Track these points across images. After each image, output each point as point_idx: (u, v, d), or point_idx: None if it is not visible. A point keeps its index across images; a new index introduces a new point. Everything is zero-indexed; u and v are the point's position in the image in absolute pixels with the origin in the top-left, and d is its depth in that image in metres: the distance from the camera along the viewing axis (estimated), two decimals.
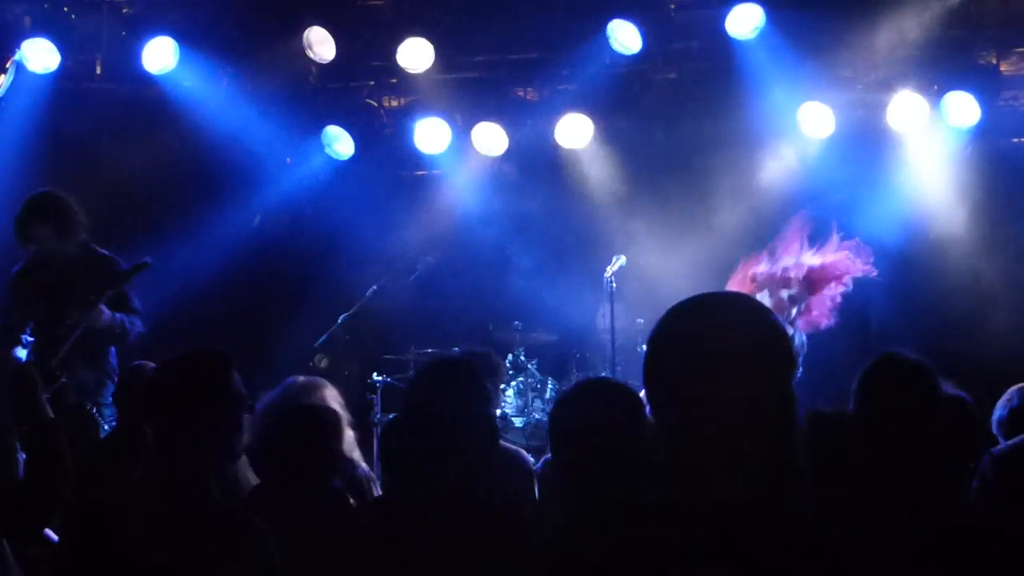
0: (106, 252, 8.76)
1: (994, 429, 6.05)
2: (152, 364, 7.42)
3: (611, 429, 4.05)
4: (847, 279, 9.49)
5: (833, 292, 9.50)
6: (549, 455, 5.74)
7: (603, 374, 9.94)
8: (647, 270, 10.71)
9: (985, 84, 10.50)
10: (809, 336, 9.56)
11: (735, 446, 2.68)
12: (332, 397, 6.32)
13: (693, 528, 2.67)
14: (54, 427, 4.94)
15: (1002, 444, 5.88)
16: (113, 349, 8.62)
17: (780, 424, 2.72)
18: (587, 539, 2.99)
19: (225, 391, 4.63)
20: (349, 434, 6.28)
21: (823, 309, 9.50)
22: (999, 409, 6.11)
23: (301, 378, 6.44)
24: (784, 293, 9.59)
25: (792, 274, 9.39)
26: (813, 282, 9.59)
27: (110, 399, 8.43)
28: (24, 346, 8.39)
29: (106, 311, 8.38)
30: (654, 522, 2.77)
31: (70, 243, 8.64)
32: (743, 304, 2.87)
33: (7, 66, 10.34)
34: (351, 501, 5.97)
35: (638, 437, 3.99)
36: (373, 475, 6.60)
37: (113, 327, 8.43)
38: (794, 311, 9.50)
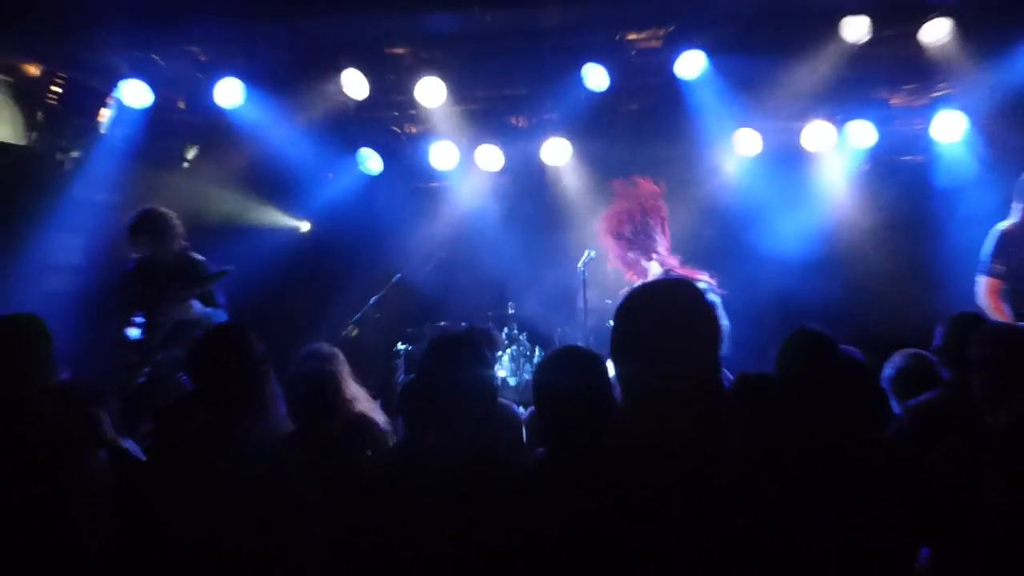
0: (198, 257, 9.08)
1: (884, 385, 6.16)
2: None
3: (581, 387, 4.19)
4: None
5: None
6: (533, 408, 6.53)
7: (579, 344, 9.57)
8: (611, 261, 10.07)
9: (879, 114, 10.96)
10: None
11: (679, 396, 2.83)
12: (342, 361, 6.48)
13: (647, 465, 2.82)
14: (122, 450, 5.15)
15: (911, 401, 5.90)
16: (201, 333, 8.73)
17: (711, 381, 2.90)
18: (563, 475, 3.28)
19: (244, 353, 4.90)
20: (359, 392, 6.53)
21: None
22: (887, 369, 6.27)
23: (317, 345, 6.54)
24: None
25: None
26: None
27: None
28: (136, 327, 8.82)
29: (196, 305, 8.78)
30: (616, 460, 2.92)
31: (168, 249, 8.94)
32: (687, 287, 3.05)
33: (109, 102, 10.65)
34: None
35: (603, 394, 4.12)
36: (379, 422, 6.50)
37: (201, 319, 8.75)
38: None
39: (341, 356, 6.49)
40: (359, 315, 11.22)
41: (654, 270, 8.21)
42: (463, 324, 10.89)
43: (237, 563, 4.41)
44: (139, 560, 4.59)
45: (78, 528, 4.85)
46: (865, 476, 4.47)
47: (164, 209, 9.06)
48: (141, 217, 9.00)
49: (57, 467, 4.79)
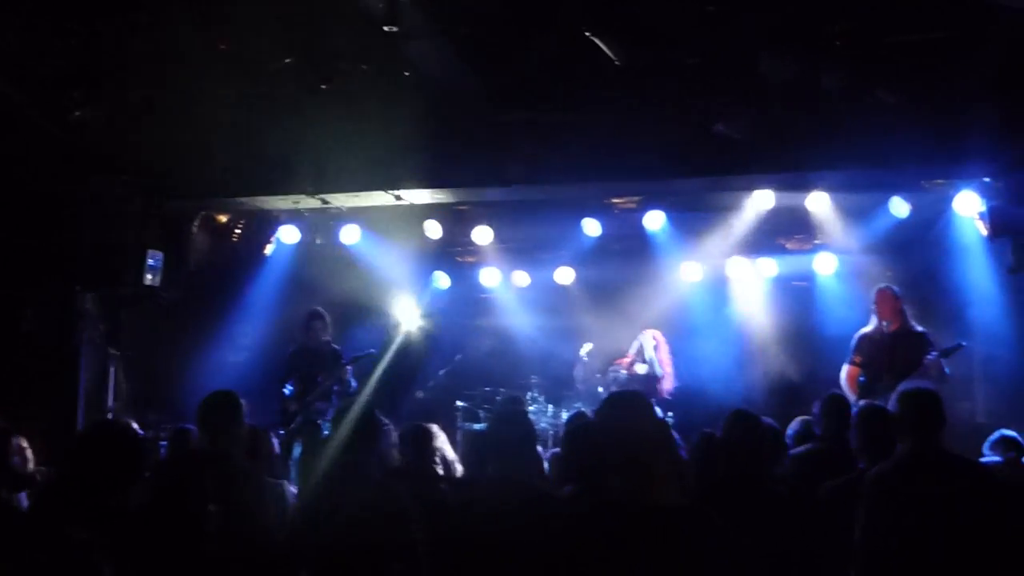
0: (337, 347, 9.38)
1: (788, 440, 6.18)
2: None
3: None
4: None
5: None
6: (555, 450, 6.50)
7: (578, 406, 9.58)
8: (602, 348, 10.87)
9: (779, 254, 11.02)
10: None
11: (650, 465, 2.77)
12: (441, 435, 6.32)
13: (632, 517, 2.71)
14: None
15: (796, 449, 5.89)
16: (335, 398, 8.92)
17: (670, 452, 2.89)
18: (584, 514, 3.03)
19: (238, 410, 4.88)
20: (443, 437, 6.46)
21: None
22: (789, 429, 6.33)
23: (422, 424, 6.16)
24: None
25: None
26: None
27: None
28: (289, 386, 9.14)
29: (347, 374, 9.08)
30: (609, 509, 2.80)
31: (323, 339, 9.31)
32: (638, 398, 3.06)
33: (272, 240, 10.89)
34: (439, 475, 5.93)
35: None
36: (454, 460, 6.45)
37: (343, 384, 9.03)
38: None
39: (440, 434, 6.31)
40: (432, 383, 11.49)
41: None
42: (502, 389, 10.99)
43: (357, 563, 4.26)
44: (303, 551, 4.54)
45: (265, 530, 4.79)
46: (776, 500, 4.53)
47: (324, 311, 9.48)
48: (318, 313, 9.39)
49: (246, 491, 4.72)
